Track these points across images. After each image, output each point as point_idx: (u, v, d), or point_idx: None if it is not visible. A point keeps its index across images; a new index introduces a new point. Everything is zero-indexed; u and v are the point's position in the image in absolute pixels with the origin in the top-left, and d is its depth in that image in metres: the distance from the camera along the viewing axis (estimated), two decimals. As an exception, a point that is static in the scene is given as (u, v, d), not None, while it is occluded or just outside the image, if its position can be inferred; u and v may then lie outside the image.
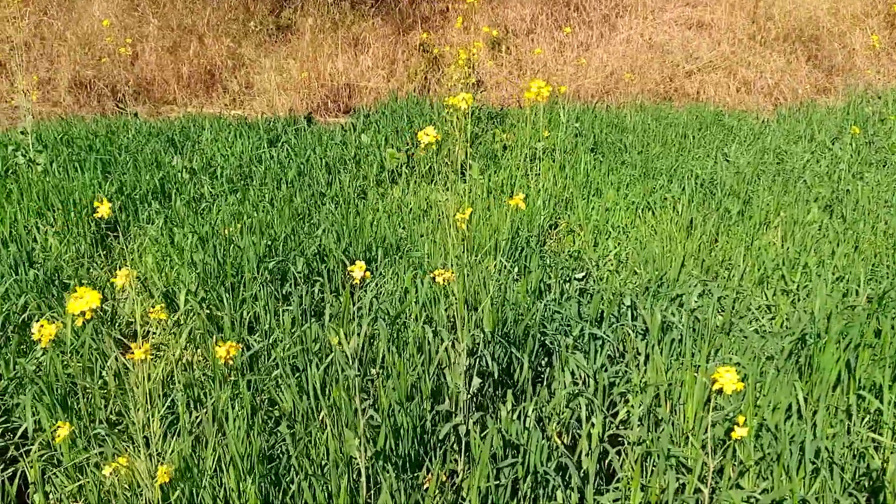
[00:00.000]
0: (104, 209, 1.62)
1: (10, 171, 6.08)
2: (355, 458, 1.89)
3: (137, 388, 1.57)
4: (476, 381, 2.10)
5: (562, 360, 2.57)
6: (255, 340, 3.18)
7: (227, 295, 3.60)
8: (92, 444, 2.54)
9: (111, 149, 6.74)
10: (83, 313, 1.53)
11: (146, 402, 2.00)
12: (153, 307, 3.51)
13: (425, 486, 2.11)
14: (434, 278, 2.39)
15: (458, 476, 2.20)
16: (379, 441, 1.95)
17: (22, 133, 6.16)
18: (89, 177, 5.66)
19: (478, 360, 2.23)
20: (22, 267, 3.93)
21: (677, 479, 2.06)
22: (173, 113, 10.73)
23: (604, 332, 2.79)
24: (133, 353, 1.53)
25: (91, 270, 4.12)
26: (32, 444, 2.61)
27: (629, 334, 2.86)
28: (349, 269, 1.71)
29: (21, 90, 8.16)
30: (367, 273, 1.71)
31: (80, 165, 6.07)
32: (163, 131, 7.68)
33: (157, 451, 2.34)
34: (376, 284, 3.80)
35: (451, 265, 2.31)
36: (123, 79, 11.15)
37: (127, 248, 4.61)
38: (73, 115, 9.89)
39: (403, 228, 4.62)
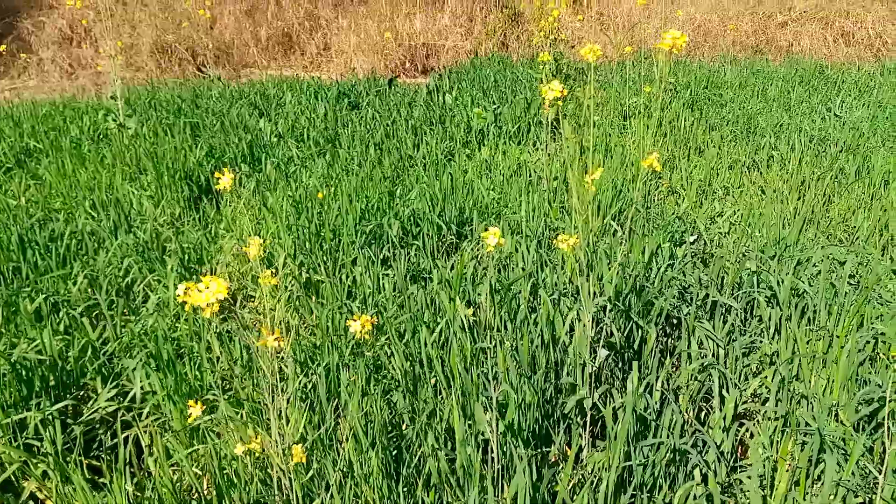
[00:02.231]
0: (226, 181, 1.53)
1: (102, 136, 6.16)
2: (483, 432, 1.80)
3: (268, 370, 1.48)
4: (603, 352, 1.97)
5: (689, 329, 2.42)
6: (357, 306, 3.11)
7: (325, 259, 3.55)
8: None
9: (198, 112, 6.77)
10: (209, 304, 1.43)
11: (275, 385, 1.94)
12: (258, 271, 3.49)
13: (552, 460, 2.00)
14: (548, 244, 2.27)
15: (582, 451, 2.09)
16: (508, 414, 1.85)
17: (112, 98, 6.22)
18: (179, 140, 5.68)
19: (601, 330, 2.10)
20: (122, 230, 3.95)
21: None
22: (253, 76, 10.76)
23: (728, 299, 2.62)
24: (265, 338, 1.43)
25: (187, 234, 4.11)
26: (143, 407, 2.61)
27: (757, 301, 2.68)
28: (483, 235, 1.59)
29: (108, 56, 8.28)
30: (502, 240, 1.59)
31: (170, 129, 6.11)
32: (245, 94, 7.68)
33: (282, 427, 2.29)
34: (472, 249, 3.69)
35: (573, 229, 2.17)
36: (203, 43, 11.23)
37: (221, 211, 4.61)
38: (156, 79, 10.00)
39: (494, 190, 4.48)
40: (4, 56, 10.47)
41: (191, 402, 1.54)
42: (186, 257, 3.54)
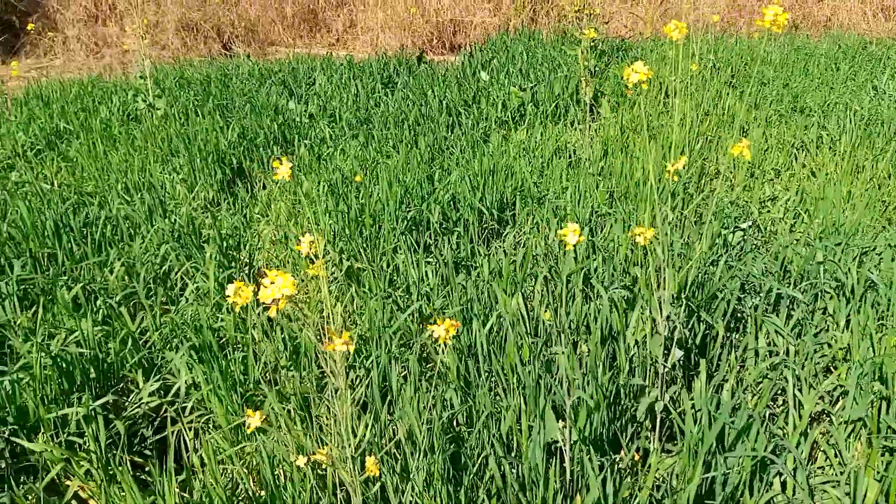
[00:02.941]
0: (285, 171, 1.42)
1: (132, 117, 6.09)
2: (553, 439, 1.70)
3: (339, 379, 1.38)
4: (678, 352, 1.86)
5: (756, 324, 2.30)
6: (399, 295, 3.02)
7: (365, 245, 3.45)
8: (242, 407, 2.44)
9: (227, 92, 6.68)
10: (276, 301, 1.33)
11: (345, 391, 1.85)
12: (308, 261, 3.40)
13: (620, 466, 1.91)
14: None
15: (650, 455, 1.99)
16: (580, 421, 1.75)
17: (140, 78, 6.14)
18: (210, 121, 5.60)
19: (671, 327, 1.98)
20: (156, 215, 3.87)
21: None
22: (278, 54, 10.64)
23: (794, 292, 2.49)
24: (332, 343, 1.33)
25: (223, 220, 4.02)
26: (186, 402, 2.53)
27: (822, 293, 2.55)
28: (561, 233, 1.48)
29: (135, 34, 8.20)
30: (581, 237, 1.48)
31: (199, 110, 6.02)
32: (274, 73, 7.57)
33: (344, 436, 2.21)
34: (514, 236, 3.58)
35: (623, 215, 2.05)
36: (228, 20, 11.13)
37: (255, 195, 4.52)
38: (182, 57, 9.91)
39: (534, 173, 4.35)
40: (31, 35, 10.43)
41: (249, 412, 1.45)
42: (225, 244, 3.46)
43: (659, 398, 1.89)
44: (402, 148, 4.78)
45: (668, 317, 1.81)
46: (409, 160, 4.46)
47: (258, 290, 1.46)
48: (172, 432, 2.45)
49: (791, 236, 3.36)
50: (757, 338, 2.29)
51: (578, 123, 5.44)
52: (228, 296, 1.70)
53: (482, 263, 3.00)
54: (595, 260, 2.82)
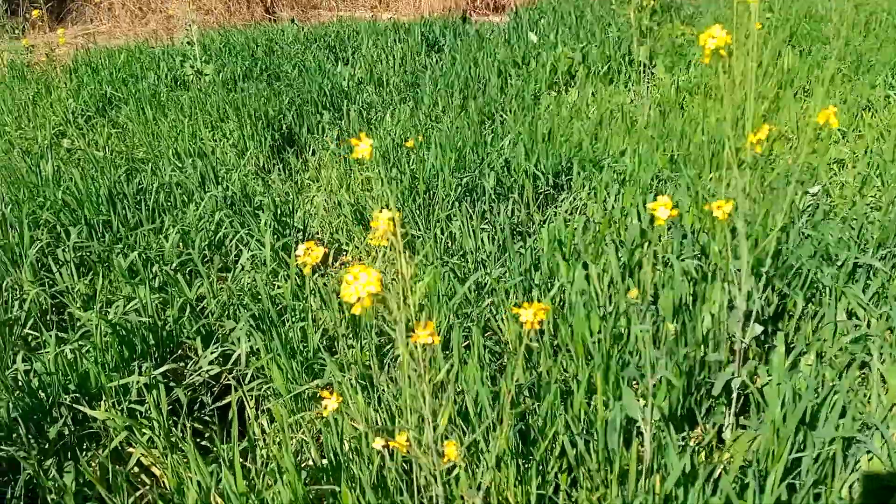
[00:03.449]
0: (364, 149, 1.34)
1: (180, 83, 6.08)
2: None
3: (425, 381, 1.33)
4: (758, 328, 1.78)
5: (836, 295, 2.20)
6: (455, 263, 2.95)
7: (419, 213, 3.40)
8: (301, 376, 2.41)
9: (273, 58, 6.63)
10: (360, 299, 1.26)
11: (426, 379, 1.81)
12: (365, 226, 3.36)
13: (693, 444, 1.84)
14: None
15: (724, 431, 1.92)
16: (658, 398, 1.68)
17: (188, 43, 6.11)
18: (257, 86, 5.56)
19: (750, 301, 1.90)
20: (209, 182, 3.86)
21: None
22: (321, 17, 10.56)
23: (874, 261, 2.38)
24: (417, 334, 1.25)
25: (276, 187, 3.99)
26: (245, 370, 2.51)
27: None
28: (651, 207, 1.39)
29: (180, -1, 8.17)
30: (674, 211, 1.39)
31: (247, 75, 5.99)
32: (320, 37, 7.50)
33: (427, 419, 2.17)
34: (571, 202, 3.49)
35: (687, 180, 1.95)
36: (272, -16, 11.05)
37: (305, 161, 4.49)
38: (226, 22, 9.88)
39: (588, 135, 4.23)
40: (77, 1, 10.47)
41: (325, 393, 1.41)
42: (278, 211, 3.43)
43: (736, 374, 1.81)
44: (451, 112, 4.69)
45: (748, 291, 1.73)
46: (460, 125, 4.38)
47: (323, 256, 1.42)
48: (234, 400, 2.45)
49: (862, 201, 3.22)
50: (836, 310, 2.19)
51: (632, 84, 5.29)
52: (298, 255, 1.66)
53: (539, 231, 2.93)
54: (661, 230, 2.72)
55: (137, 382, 2.35)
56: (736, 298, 1.76)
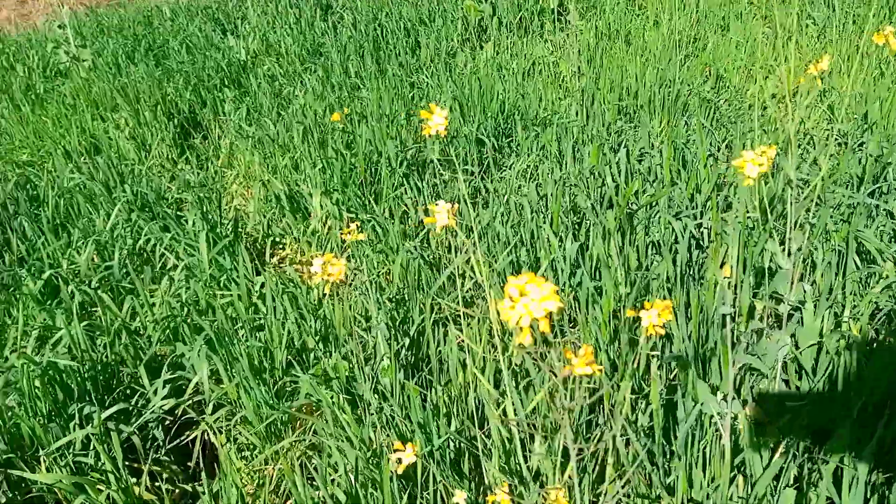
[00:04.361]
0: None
1: (56, 73, 5.48)
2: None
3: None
4: (806, 287, 1.60)
5: (849, 241, 2.06)
6: (416, 246, 2.69)
7: (361, 194, 3.10)
8: (272, 398, 2.11)
9: (156, 35, 6.07)
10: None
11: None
12: (324, 221, 3.02)
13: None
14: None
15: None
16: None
17: (60, 28, 5.50)
18: (145, 69, 5.06)
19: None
20: (112, 182, 3.42)
21: None
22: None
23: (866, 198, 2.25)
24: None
25: (192, 179, 3.59)
26: (198, 395, 2.18)
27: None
28: (737, 164, 1.15)
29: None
30: (764, 167, 1.16)
31: (130, 57, 5.45)
32: (200, 9, 6.94)
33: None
34: (511, 166, 3.25)
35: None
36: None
37: (218, 147, 4.08)
38: (90, 2, 9.10)
39: (516, 91, 3.99)
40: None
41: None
42: (204, 208, 3.06)
43: (784, 343, 1.63)
44: (369, 79, 4.36)
45: (798, 248, 1.54)
46: (384, 92, 4.06)
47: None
48: (196, 437, 2.13)
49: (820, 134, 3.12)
50: (850, 257, 2.05)
51: (548, 35, 5.08)
52: (315, 272, 1.37)
53: (494, 199, 2.69)
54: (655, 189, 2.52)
55: (84, 435, 1.99)
56: (777, 256, 1.57)
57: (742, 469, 1.42)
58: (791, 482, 1.45)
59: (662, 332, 0.97)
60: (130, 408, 2.15)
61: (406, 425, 1.75)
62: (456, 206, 1.27)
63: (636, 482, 1.49)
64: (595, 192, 2.60)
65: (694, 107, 3.38)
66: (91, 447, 1.98)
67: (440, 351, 2.02)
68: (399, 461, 1.16)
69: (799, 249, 1.56)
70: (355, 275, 2.61)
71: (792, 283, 1.61)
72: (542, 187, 2.65)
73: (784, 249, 1.56)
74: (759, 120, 3.34)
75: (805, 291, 1.60)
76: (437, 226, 1.16)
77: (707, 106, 3.42)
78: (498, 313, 0.72)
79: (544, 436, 1.47)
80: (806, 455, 1.53)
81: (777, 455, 1.45)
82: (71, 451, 2.01)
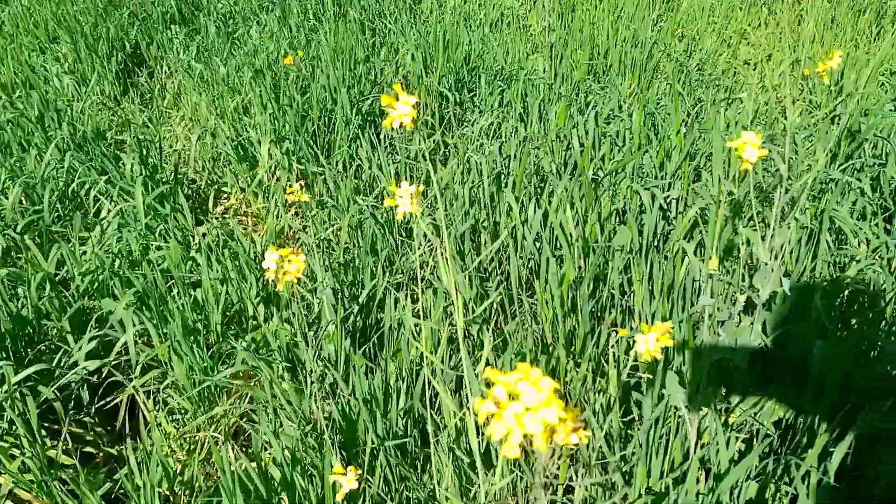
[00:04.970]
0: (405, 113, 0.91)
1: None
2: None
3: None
4: (786, 282, 1.50)
5: (822, 220, 1.97)
6: (371, 204, 2.54)
7: (313, 143, 2.92)
8: (206, 361, 1.97)
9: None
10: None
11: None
12: (274, 173, 2.84)
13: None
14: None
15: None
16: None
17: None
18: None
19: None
20: (48, 117, 3.18)
21: None
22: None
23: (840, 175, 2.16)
24: None
25: (133, 119, 3.37)
26: (130, 357, 2.02)
27: None
28: (735, 146, 1.03)
29: None
30: (765, 151, 1.04)
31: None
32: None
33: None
34: (474, 122, 3.10)
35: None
36: None
37: (163, 86, 3.84)
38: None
39: (482, 42, 3.82)
40: None
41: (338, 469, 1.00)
42: (143, 150, 2.85)
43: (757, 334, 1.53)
44: (329, 21, 4.14)
45: (781, 245, 1.43)
46: (345, 36, 3.85)
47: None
48: (123, 400, 1.97)
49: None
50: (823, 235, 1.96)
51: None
52: (268, 268, 1.21)
53: (459, 159, 2.54)
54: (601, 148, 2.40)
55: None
56: (759, 249, 1.46)
57: (705, 461, 1.32)
58: (753, 475, 1.37)
59: (661, 357, 0.84)
60: (52, 367, 1.99)
61: (350, 403, 1.62)
62: (420, 188, 1.13)
63: (593, 471, 1.40)
64: (560, 155, 2.48)
65: (666, 69, 3.25)
66: (6, 408, 1.82)
67: (391, 318, 1.89)
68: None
69: (782, 247, 1.45)
70: (302, 231, 2.45)
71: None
72: (506, 147, 2.51)
73: (764, 241, 1.46)
74: (730, 86, 3.23)
75: (783, 285, 1.49)
76: (398, 212, 1.02)
77: (679, 70, 3.30)
78: (476, 416, 0.57)
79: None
80: (770, 447, 1.45)
81: (738, 444, 1.37)
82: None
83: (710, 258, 1.30)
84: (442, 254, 1.15)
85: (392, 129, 0.92)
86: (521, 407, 0.52)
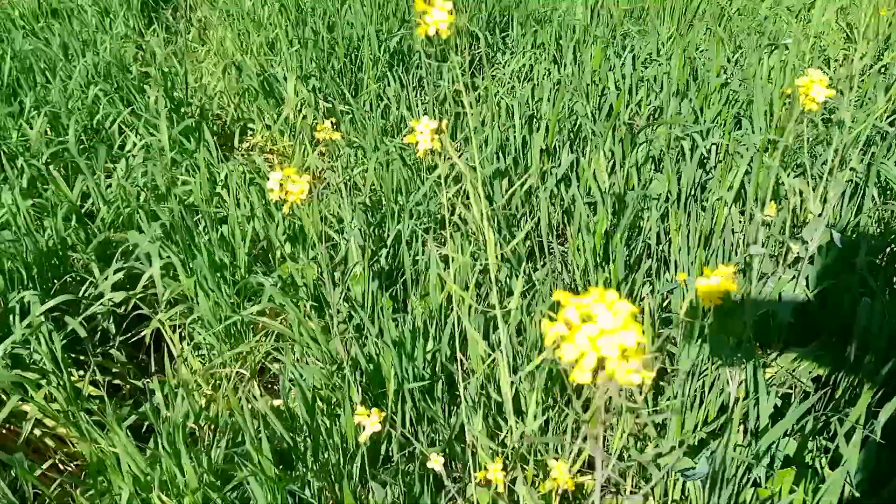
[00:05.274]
0: None
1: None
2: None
3: None
4: (836, 234, 1.45)
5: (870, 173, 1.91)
6: (397, 146, 2.49)
7: (340, 82, 2.86)
8: (232, 297, 1.95)
9: None
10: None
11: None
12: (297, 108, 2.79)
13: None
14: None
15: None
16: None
17: None
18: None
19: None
20: (76, 53, 3.13)
21: None
22: None
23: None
24: None
25: (159, 53, 3.31)
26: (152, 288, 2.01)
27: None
28: (801, 84, 0.97)
29: None
30: (832, 92, 0.98)
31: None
32: None
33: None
34: (506, 64, 3.01)
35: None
36: None
37: (189, 20, 3.78)
38: None
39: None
40: None
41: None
42: (169, 83, 2.80)
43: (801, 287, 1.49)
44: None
45: (834, 195, 1.37)
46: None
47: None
48: (148, 334, 1.97)
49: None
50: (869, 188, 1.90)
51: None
52: (272, 189, 1.18)
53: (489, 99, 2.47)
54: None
55: (24, 326, 1.82)
56: (809, 200, 1.40)
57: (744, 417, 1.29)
58: (790, 432, 1.34)
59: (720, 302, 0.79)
60: (78, 298, 1.98)
61: (378, 344, 1.59)
62: (444, 122, 1.08)
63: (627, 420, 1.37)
64: (595, 99, 2.41)
65: (707, 13, 3.14)
66: (33, 339, 1.82)
67: (417, 262, 1.86)
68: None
69: (834, 198, 1.40)
70: (329, 173, 2.41)
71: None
72: (538, 90, 2.44)
73: (816, 192, 1.40)
74: (773, 31, 3.12)
75: (833, 238, 1.44)
76: (418, 149, 0.97)
77: (720, 14, 3.19)
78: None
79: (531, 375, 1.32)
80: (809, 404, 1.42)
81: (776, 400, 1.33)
82: (11, 342, 1.84)
83: (768, 205, 1.25)
84: (473, 186, 1.11)
85: (426, 37, 0.87)
86: (596, 329, 0.48)
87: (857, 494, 1.20)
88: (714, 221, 1.68)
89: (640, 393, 0.58)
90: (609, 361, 0.48)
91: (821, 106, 0.98)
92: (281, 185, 1.14)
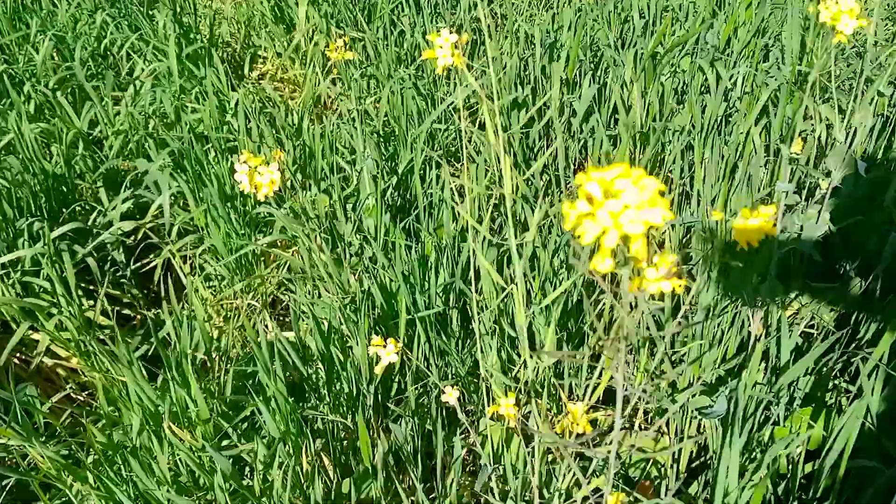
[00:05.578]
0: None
1: None
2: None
3: None
4: (861, 164, 1.40)
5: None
6: (412, 74, 2.42)
7: (352, 6, 2.78)
8: (243, 228, 1.93)
9: None
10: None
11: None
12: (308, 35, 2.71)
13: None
14: None
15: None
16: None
17: None
18: None
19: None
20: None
21: None
22: None
23: None
24: None
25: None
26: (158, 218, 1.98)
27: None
28: (826, 6, 0.91)
29: None
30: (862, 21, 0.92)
31: None
32: None
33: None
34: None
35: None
36: None
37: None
38: None
39: None
40: None
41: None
42: (178, 8, 2.73)
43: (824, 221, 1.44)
44: None
45: (862, 124, 1.31)
46: None
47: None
48: (158, 264, 1.95)
49: None
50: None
51: None
52: (240, 182, 1.11)
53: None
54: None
55: (34, 253, 1.80)
56: (835, 127, 1.35)
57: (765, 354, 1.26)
58: (810, 370, 1.31)
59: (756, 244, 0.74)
60: (87, 226, 1.96)
61: (389, 275, 1.56)
62: (464, 37, 1.01)
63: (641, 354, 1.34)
64: (617, 28, 2.32)
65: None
66: (43, 265, 1.80)
67: (431, 194, 1.82)
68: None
69: (861, 125, 1.33)
70: (340, 98, 2.35)
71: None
72: (559, 17, 2.36)
73: (842, 119, 1.34)
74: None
75: (858, 168, 1.39)
76: (438, 65, 0.91)
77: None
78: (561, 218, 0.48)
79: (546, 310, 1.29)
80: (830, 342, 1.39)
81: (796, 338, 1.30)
82: (19, 268, 1.82)
83: (795, 140, 1.20)
84: (489, 109, 1.06)
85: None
86: (620, 205, 0.44)
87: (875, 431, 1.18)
88: (738, 155, 1.63)
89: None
90: (633, 241, 0.44)
91: (849, 38, 0.92)
92: (249, 177, 1.07)
